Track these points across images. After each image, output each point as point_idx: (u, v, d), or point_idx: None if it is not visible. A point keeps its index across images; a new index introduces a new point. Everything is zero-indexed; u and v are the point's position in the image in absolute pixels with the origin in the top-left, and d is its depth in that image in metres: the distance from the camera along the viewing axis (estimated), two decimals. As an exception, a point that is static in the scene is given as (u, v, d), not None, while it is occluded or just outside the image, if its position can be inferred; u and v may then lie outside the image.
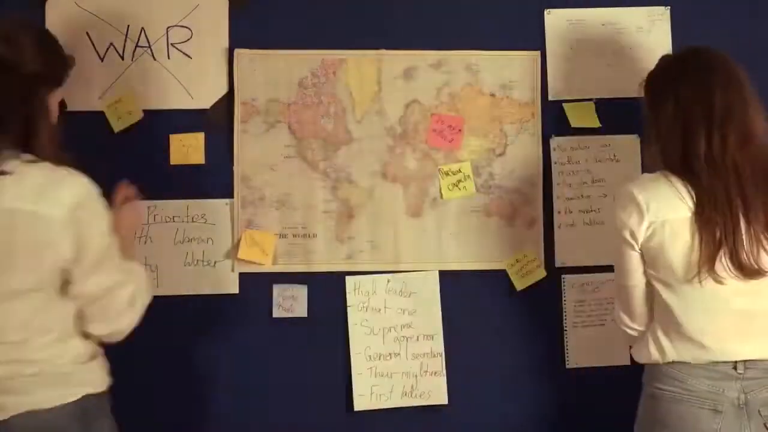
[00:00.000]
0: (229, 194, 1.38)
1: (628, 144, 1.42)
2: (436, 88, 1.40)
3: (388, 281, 1.40)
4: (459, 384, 1.38)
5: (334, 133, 1.38)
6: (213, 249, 1.39)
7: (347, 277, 1.40)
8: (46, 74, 1.03)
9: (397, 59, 1.39)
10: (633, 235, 1.11)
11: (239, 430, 1.38)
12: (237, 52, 1.37)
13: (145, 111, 1.36)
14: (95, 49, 1.38)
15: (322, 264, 1.38)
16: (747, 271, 1.08)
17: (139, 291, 1.05)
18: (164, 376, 1.23)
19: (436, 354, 1.39)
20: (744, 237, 1.07)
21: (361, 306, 1.41)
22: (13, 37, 1.02)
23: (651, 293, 1.19)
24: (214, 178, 1.37)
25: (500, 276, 1.39)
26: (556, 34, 1.41)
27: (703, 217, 1.08)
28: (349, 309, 1.40)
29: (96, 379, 1.03)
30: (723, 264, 1.07)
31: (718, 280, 1.08)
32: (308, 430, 1.32)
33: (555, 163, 1.41)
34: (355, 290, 1.41)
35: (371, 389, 1.40)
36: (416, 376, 1.39)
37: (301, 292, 1.37)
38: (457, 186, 1.40)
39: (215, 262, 1.38)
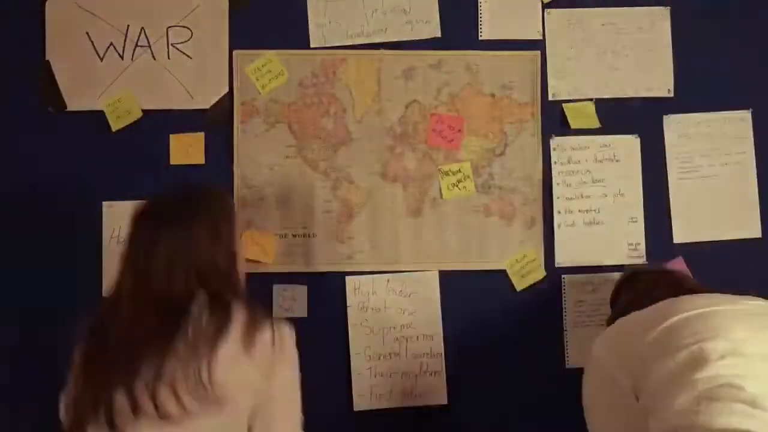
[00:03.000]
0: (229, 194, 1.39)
1: (628, 144, 1.42)
2: (436, 88, 1.40)
3: (388, 281, 1.39)
4: (459, 384, 1.39)
5: (334, 133, 1.37)
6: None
7: (347, 277, 1.39)
8: None
9: (397, 59, 1.39)
10: None
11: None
12: (236, 52, 1.36)
13: (144, 111, 1.36)
14: (95, 49, 1.37)
15: (322, 264, 1.38)
16: None
17: None
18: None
19: (436, 354, 1.38)
20: None
21: (361, 306, 1.41)
22: None
23: None
24: (214, 178, 1.37)
25: (500, 276, 1.40)
26: (556, 34, 1.41)
27: None
28: (349, 309, 1.39)
29: None
30: None
31: None
32: (308, 430, 1.32)
33: (555, 163, 1.41)
34: (355, 290, 1.41)
35: (371, 389, 1.41)
36: (416, 376, 1.39)
37: (301, 292, 1.37)
38: (457, 186, 1.40)
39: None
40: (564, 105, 1.42)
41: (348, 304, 1.41)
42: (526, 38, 1.42)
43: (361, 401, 1.40)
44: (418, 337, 1.39)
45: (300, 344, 1.29)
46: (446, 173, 1.40)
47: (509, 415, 1.41)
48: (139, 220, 1.03)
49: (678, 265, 1.37)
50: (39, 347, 1.40)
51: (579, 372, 1.27)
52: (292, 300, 1.39)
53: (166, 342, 0.97)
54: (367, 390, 1.41)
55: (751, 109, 1.40)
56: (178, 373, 0.95)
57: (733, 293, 1.25)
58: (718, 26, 1.40)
